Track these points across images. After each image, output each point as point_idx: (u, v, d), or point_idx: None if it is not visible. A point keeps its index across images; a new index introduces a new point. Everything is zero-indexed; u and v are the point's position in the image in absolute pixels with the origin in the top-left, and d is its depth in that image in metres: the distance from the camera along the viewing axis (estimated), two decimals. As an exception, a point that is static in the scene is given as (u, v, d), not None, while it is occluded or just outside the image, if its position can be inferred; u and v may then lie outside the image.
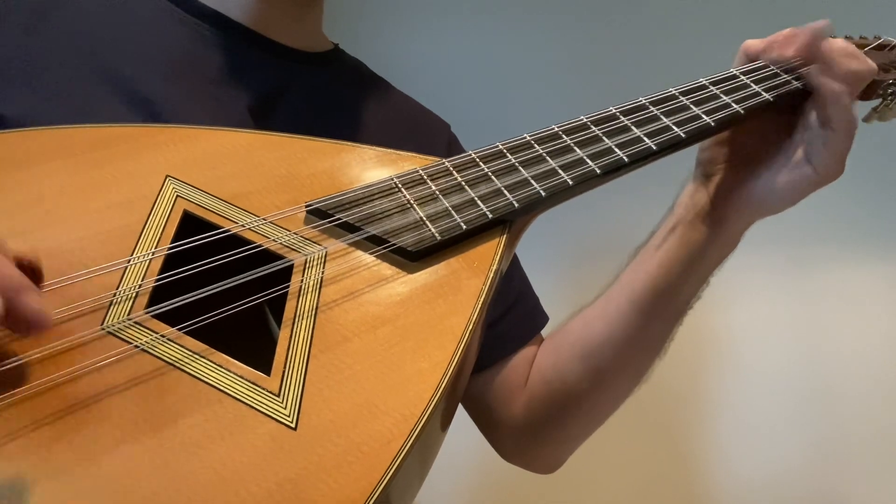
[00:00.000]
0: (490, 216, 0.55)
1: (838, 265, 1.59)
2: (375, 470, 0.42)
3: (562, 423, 0.77)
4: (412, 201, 0.55)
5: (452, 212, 0.55)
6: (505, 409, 0.78)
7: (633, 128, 0.61)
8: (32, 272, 0.41)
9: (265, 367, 0.45)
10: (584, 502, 1.51)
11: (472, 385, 0.78)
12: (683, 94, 0.64)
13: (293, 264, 0.50)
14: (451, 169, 0.58)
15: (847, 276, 1.58)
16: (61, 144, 0.53)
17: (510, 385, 0.78)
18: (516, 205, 0.56)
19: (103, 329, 0.44)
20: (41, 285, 0.42)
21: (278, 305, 0.48)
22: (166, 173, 0.53)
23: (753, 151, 0.65)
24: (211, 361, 0.44)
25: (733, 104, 0.62)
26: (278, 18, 0.72)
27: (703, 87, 0.64)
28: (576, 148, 0.59)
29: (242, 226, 0.51)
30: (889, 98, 0.69)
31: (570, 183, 0.57)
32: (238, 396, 0.43)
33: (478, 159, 0.59)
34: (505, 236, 0.55)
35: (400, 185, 0.56)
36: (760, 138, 0.65)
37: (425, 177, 0.57)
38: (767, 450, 1.50)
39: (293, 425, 0.43)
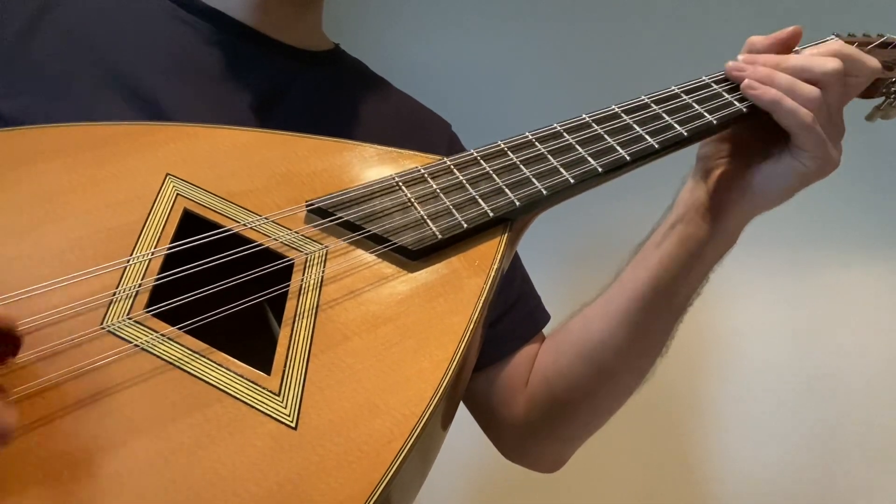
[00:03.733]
0: (491, 215, 0.54)
1: (837, 266, 1.59)
2: (376, 470, 0.42)
3: (563, 422, 0.77)
4: (413, 200, 0.55)
5: (453, 210, 0.54)
6: (506, 408, 0.78)
7: (635, 126, 0.60)
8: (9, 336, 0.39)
9: (265, 367, 0.45)
10: (585, 501, 1.51)
11: (474, 384, 0.78)
12: (686, 92, 0.63)
13: (294, 263, 0.50)
14: (453, 167, 0.57)
15: (845, 277, 1.58)
16: (61, 143, 0.52)
17: (512, 384, 0.78)
18: (517, 203, 0.55)
19: (103, 328, 0.44)
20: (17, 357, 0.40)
21: (279, 304, 0.48)
22: (167, 172, 0.52)
23: (752, 146, 0.65)
24: (211, 361, 0.44)
25: (736, 102, 0.62)
26: (279, 18, 0.72)
27: (706, 85, 0.64)
28: (577, 146, 0.59)
29: (243, 224, 0.51)
30: (892, 96, 0.69)
31: (572, 181, 0.57)
32: (238, 396, 0.43)
33: (479, 157, 0.58)
34: (506, 235, 0.55)
35: (401, 184, 0.56)
36: (759, 133, 0.65)
37: (426, 175, 0.57)
38: (767, 448, 1.50)
39: (293, 425, 0.43)
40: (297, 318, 0.47)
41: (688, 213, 0.67)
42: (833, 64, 0.61)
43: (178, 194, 0.51)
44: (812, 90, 0.60)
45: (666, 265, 0.67)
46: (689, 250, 0.67)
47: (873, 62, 0.63)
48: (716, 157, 0.67)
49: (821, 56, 0.62)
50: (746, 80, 0.62)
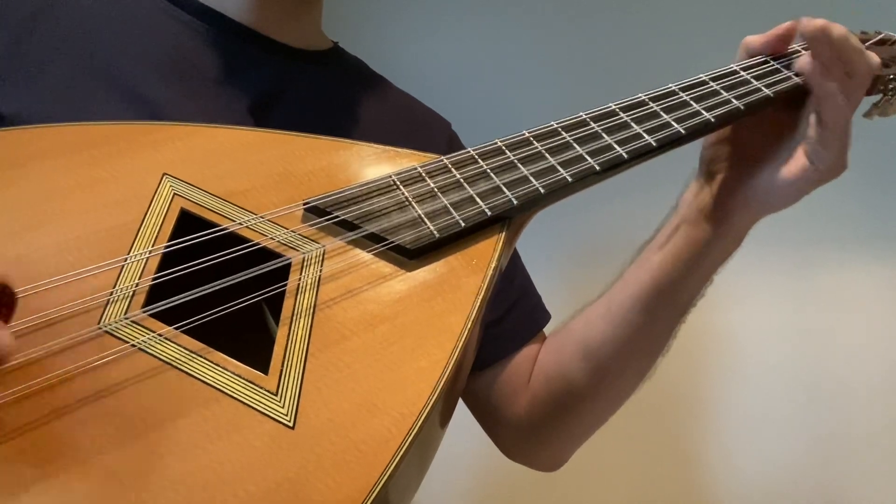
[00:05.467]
0: (489, 213, 0.54)
1: (839, 266, 1.59)
2: (374, 469, 0.42)
3: (564, 422, 0.77)
4: (410, 199, 0.55)
5: (451, 209, 0.54)
6: (508, 407, 0.78)
7: (632, 124, 0.60)
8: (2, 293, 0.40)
9: (263, 366, 0.45)
10: (585, 501, 1.51)
11: (475, 383, 0.78)
12: (683, 90, 0.63)
13: (291, 262, 0.50)
14: (450, 166, 0.57)
15: (848, 277, 1.58)
16: (58, 142, 0.52)
17: (513, 383, 0.77)
18: (515, 202, 0.55)
19: (100, 328, 0.44)
20: (14, 305, 0.41)
21: (276, 304, 0.48)
22: (163, 171, 0.52)
23: (756, 149, 0.65)
24: (208, 360, 0.44)
25: (733, 100, 0.62)
26: (277, 17, 0.72)
27: (703, 82, 0.64)
28: (575, 144, 0.59)
29: (240, 224, 0.51)
30: (890, 93, 0.69)
31: (570, 180, 0.57)
32: (236, 395, 0.43)
33: (476, 156, 0.58)
34: (504, 234, 0.55)
35: (398, 183, 0.56)
36: (763, 135, 0.65)
37: (424, 174, 0.57)
38: (768, 449, 1.50)
39: (291, 424, 0.43)
40: (294, 318, 0.47)
41: (692, 215, 0.67)
42: (878, 60, 0.60)
43: (174, 194, 0.51)
44: (861, 90, 0.59)
45: (670, 266, 0.67)
46: (693, 252, 0.66)
47: (876, 59, 0.63)
48: (719, 161, 0.67)
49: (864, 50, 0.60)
50: (815, 63, 0.59)
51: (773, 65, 0.64)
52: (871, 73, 0.60)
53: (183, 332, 0.45)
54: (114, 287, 0.45)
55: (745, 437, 1.52)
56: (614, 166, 0.58)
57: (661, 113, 0.61)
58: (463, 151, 0.59)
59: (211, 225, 0.50)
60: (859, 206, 1.56)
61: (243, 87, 0.68)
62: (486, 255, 0.54)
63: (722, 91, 0.63)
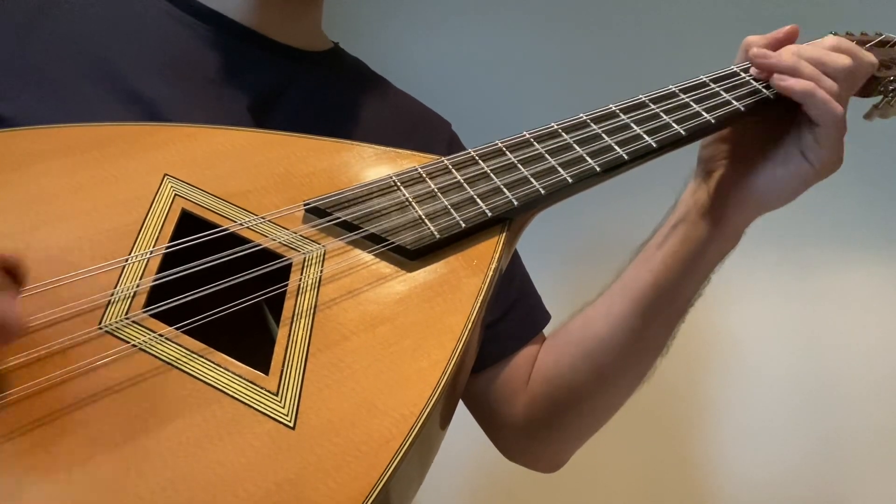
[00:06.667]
0: (489, 214, 0.54)
1: (839, 266, 1.59)
2: (374, 469, 0.42)
3: (564, 422, 0.77)
4: (411, 199, 0.55)
5: (451, 210, 0.54)
6: (507, 408, 0.78)
7: (632, 125, 0.61)
8: (15, 275, 0.40)
9: (264, 367, 0.45)
10: (585, 501, 1.51)
11: (474, 384, 0.78)
12: (684, 91, 0.63)
13: (292, 263, 0.50)
14: (451, 167, 0.58)
15: (847, 277, 1.58)
16: (60, 144, 0.52)
17: (512, 384, 0.78)
18: (515, 203, 0.55)
19: (101, 328, 0.44)
20: (23, 288, 0.42)
21: (277, 304, 0.48)
22: (164, 172, 0.53)
23: (753, 147, 0.65)
24: (209, 361, 0.44)
25: (734, 101, 0.62)
26: (277, 18, 0.72)
27: (704, 84, 0.64)
28: (575, 146, 0.59)
29: (241, 224, 0.51)
30: (890, 95, 0.69)
31: (570, 181, 0.57)
32: (236, 396, 0.43)
33: (477, 157, 0.58)
34: (504, 234, 0.55)
35: (399, 184, 0.56)
36: (760, 134, 0.65)
37: (424, 175, 0.57)
38: (767, 449, 1.50)
39: (291, 425, 0.43)
40: (295, 318, 0.47)
41: (690, 214, 0.67)
42: (846, 61, 0.61)
43: (175, 194, 0.51)
44: (832, 83, 0.60)
45: (668, 265, 0.67)
46: (691, 250, 0.67)
47: (870, 57, 0.63)
48: (717, 159, 0.67)
49: (830, 51, 0.61)
50: (776, 75, 0.61)
51: None
52: (850, 71, 0.61)
53: (184, 332, 0.45)
54: (115, 287, 0.46)
55: (744, 438, 1.52)
56: (615, 167, 0.58)
57: (662, 114, 0.61)
58: (463, 152, 0.59)
59: (212, 226, 0.50)
60: (859, 206, 1.57)
61: (244, 88, 0.68)
62: (486, 255, 0.54)
63: (722, 93, 0.63)
